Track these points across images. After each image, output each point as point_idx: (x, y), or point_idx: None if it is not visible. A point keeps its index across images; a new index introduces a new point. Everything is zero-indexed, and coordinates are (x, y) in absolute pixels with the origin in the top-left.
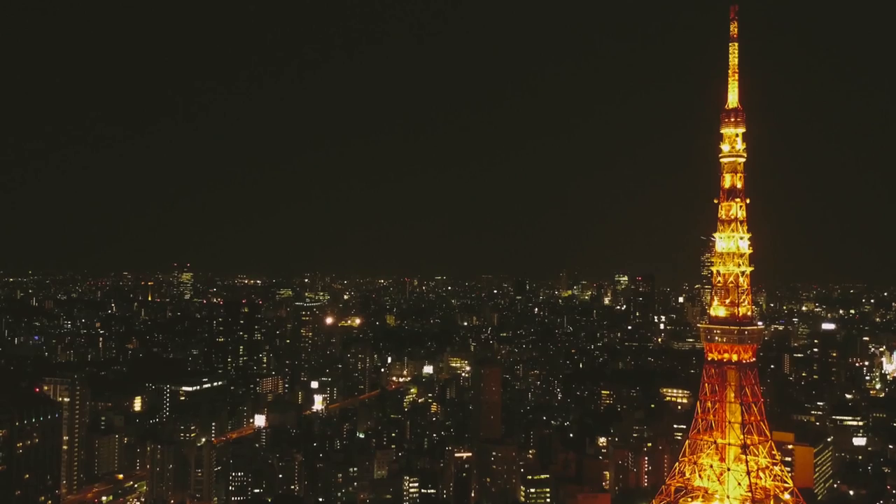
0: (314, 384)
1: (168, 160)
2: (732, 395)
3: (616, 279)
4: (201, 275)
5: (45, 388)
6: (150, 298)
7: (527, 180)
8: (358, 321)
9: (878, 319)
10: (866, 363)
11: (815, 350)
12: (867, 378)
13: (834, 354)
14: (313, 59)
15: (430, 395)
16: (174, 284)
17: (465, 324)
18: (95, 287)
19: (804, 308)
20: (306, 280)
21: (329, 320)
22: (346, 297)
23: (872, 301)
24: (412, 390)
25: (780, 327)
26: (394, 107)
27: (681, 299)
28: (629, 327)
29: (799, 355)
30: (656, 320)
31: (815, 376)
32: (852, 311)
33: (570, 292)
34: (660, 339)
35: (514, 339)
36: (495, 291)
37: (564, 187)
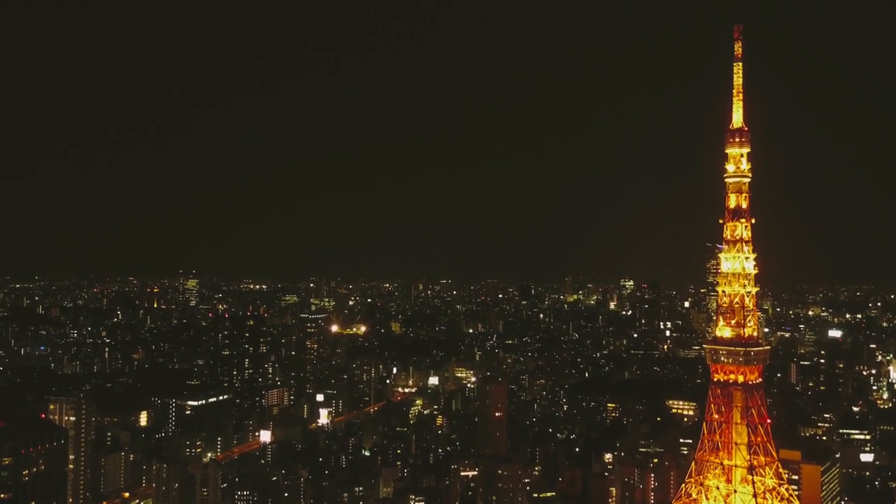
0: (319, 397)
1: (173, 164)
2: (738, 416)
3: (622, 283)
4: (206, 279)
5: (51, 406)
6: (155, 305)
7: (532, 184)
8: (363, 329)
9: (884, 324)
10: (873, 371)
11: (822, 361)
12: (874, 388)
13: (841, 366)
14: (318, 62)
15: (435, 407)
16: (180, 291)
17: (471, 331)
18: (101, 294)
19: (810, 312)
20: (312, 285)
21: (334, 328)
22: (351, 302)
23: (879, 304)
24: (417, 402)
25: (787, 334)
26: (399, 110)
27: (686, 304)
28: (635, 335)
29: (805, 363)
30: (662, 327)
31: (822, 387)
32: (859, 316)
33: (575, 297)
34: (666, 347)
35: (519, 347)
36: (500, 296)
37: (570, 191)
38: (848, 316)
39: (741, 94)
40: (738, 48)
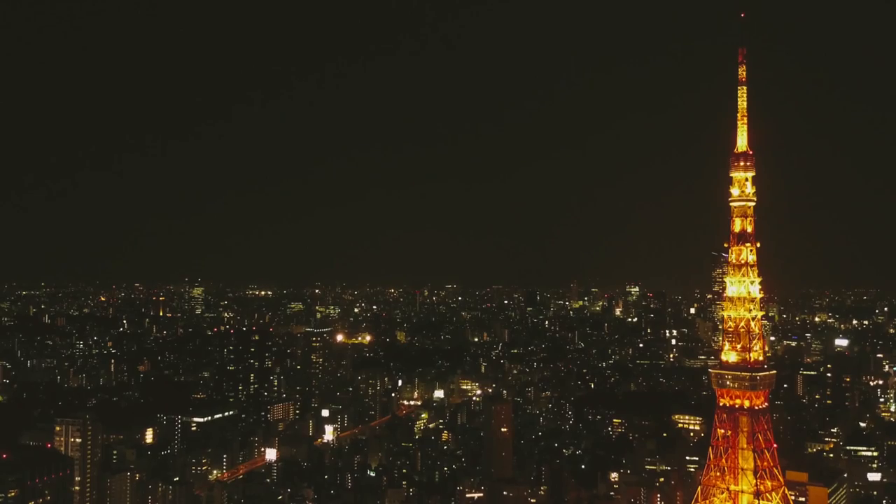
0: (325, 412)
1: (178, 171)
2: (745, 441)
3: (627, 290)
4: (212, 286)
5: (57, 427)
6: (161, 313)
7: (538, 190)
8: (368, 338)
9: (891, 330)
10: (880, 382)
11: (829, 374)
12: (881, 400)
13: (847, 379)
14: (324, 71)
15: (441, 420)
16: (185, 299)
17: (476, 339)
18: (108, 303)
19: (817, 319)
20: (317, 291)
21: (340, 337)
22: (356, 309)
23: (886, 309)
24: (423, 416)
25: (793, 343)
26: (406, 117)
27: (692, 310)
28: (641, 344)
29: (812, 373)
30: (668, 335)
31: (829, 401)
32: (866, 323)
33: (580, 303)
34: (671, 357)
35: (525, 357)
36: (506, 301)
37: (576, 197)
38: (855, 322)
39: (745, 118)
40: (742, 72)
